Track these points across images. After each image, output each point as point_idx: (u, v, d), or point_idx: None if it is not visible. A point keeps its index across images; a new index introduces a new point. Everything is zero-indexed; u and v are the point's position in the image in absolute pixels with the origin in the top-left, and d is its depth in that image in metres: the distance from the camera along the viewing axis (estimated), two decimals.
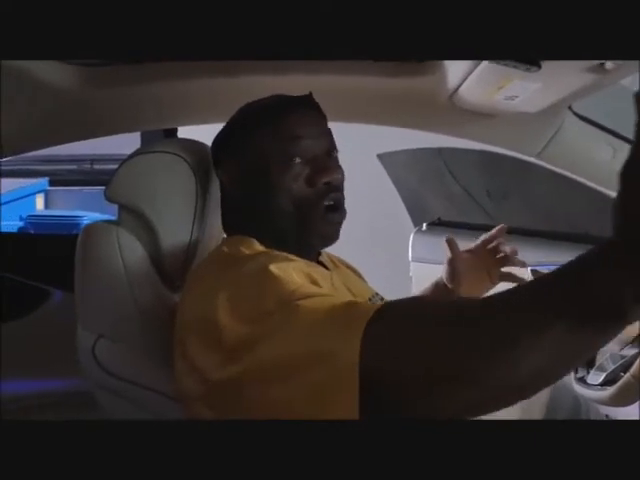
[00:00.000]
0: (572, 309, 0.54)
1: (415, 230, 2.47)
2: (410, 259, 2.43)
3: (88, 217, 5.96)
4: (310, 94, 1.02)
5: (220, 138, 1.05)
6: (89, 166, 6.95)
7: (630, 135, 0.51)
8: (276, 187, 0.95)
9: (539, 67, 0.98)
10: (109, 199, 1.07)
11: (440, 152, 4.00)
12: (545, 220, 3.55)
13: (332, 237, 0.99)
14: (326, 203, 0.96)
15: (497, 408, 0.64)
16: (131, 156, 1.08)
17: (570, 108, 1.36)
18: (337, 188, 0.98)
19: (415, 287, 2.42)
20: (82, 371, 1.05)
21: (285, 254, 0.92)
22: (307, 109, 1.00)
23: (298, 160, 0.95)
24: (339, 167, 0.99)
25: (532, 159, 1.51)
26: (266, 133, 0.97)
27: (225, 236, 1.07)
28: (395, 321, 0.69)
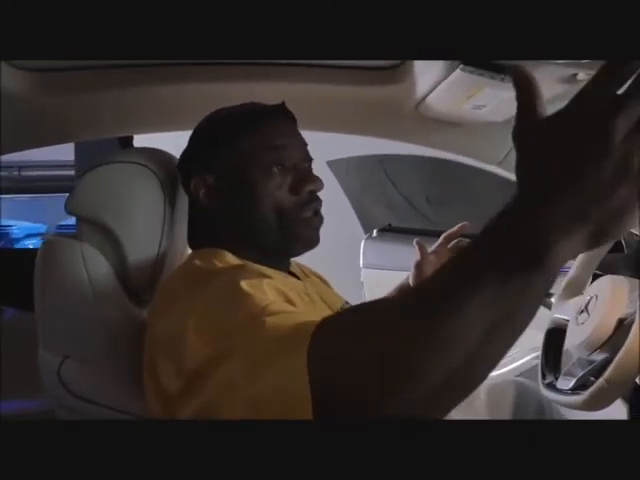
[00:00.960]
0: (495, 266, 0.56)
1: (366, 237, 2.48)
2: (361, 265, 2.45)
3: (18, 226, 5.75)
4: (283, 103, 1.02)
5: (193, 149, 1.02)
6: (17, 173, 6.67)
7: None
8: (259, 196, 0.95)
9: None
10: (70, 212, 1.02)
11: (381, 160, 4.04)
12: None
13: (314, 242, 1.00)
14: (309, 211, 0.97)
15: (455, 395, 0.62)
16: (94, 167, 1.03)
17: None
18: (318, 196, 0.99)
19: (367, 293, 2.44)
20: (47, 393, 1.00)
21: (259, 267, 0.91)
22: (283, 118, 1.01)
23: (280, 169, 0.96)
24: (318, 176, 1.00)
25: (487, 167, 1.53)
26: (246, 142, 0.96)
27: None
28: (333, 329, 0.69)
